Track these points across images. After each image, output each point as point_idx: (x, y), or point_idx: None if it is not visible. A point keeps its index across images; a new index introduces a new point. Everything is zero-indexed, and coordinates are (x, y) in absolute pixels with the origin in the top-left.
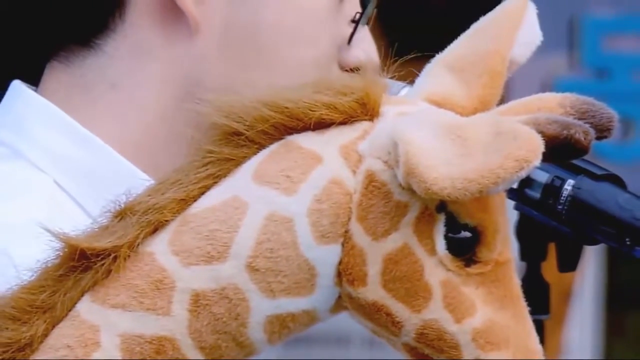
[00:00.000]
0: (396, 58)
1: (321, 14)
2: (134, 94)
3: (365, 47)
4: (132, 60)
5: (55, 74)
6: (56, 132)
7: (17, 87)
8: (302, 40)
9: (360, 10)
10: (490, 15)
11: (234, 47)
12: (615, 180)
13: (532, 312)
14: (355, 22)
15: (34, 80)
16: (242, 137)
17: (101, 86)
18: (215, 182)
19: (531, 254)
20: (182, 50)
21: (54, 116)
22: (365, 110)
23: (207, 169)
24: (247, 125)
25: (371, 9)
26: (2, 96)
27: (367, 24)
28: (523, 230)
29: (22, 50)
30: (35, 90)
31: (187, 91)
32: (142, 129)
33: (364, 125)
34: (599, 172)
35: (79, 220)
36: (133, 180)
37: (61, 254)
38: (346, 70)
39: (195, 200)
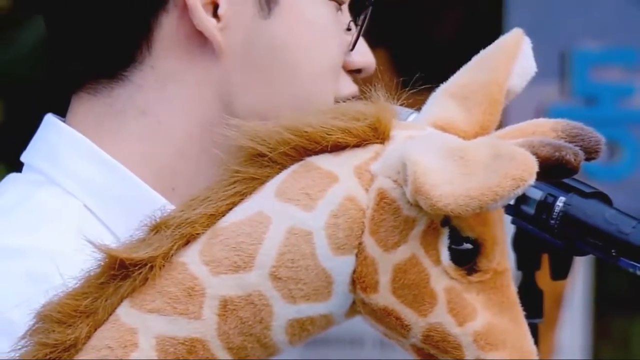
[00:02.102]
0: (405, 88)
1: (328, 26)
2: (164, 119)
3: (362, 50)
4: (160, 88)
5: (84, 105)
6: (85, 160)
7: (50, 120)
8: (317, 52)
9: (350, 18)
10: (489, 48)
11: (256, 66)
12: (603, 198)
13: (527, 316)
14: (359, 27)
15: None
16: (266, 159)
17: (131, 113)
18: (242, 199)
19: (526, 263)
20: (208, 74)
21: (83, 146)
22: (377, 134)
23: (234, 187)
24: (271, 148)
25: (366, 15)
26: (34, 127)
27: (360, 30)
28: (519, 243)
29: (52, 85)
30: (64, 121)
31: (216, 110)
32: (170, 152)
33: (375, 147)
34: (587, 190)
35: (106, 240)
36: (153, 206)
37: (102, 263)
38: (349, 72)
39: (223, 215)
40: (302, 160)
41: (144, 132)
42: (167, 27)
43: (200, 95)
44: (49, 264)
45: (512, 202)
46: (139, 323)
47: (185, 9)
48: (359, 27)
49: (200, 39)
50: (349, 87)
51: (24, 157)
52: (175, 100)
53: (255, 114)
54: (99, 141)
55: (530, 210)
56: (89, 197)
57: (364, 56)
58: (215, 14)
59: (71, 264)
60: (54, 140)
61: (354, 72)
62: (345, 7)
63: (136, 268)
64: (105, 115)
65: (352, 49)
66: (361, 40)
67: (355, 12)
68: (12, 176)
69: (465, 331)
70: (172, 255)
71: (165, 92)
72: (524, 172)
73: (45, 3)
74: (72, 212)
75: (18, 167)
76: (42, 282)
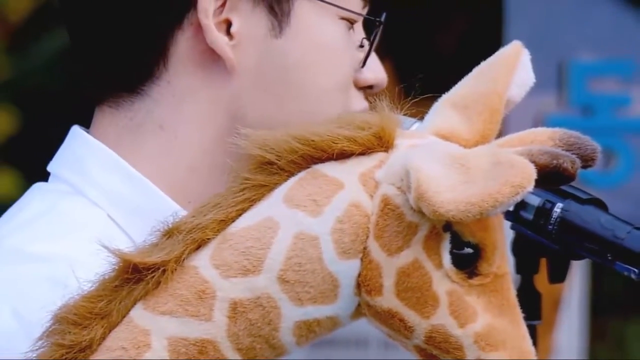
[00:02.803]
0: (408, 98)
1: (338, 45)
2: (180, 132)
3: (374, 67)
4: (176, 102)
5: (106, 117)
6: (110, 172)
7: (77, 131)
8: (325, 71)
9: (363, 35)
10: (489, 60)
11: (267, 83)
12: (599, 204)
13: (526, 318)
14: (370, 45)
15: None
16: (274, 166)
17: (149, 127)
18: (251, 205)
19: (525, 267)
20: (220, 90)
21: (107, 157)
22: (381, 142)
23: (243, 194)
24: (279, 156)
25: (378, 34)
26: (49, 137)
27: (370, 47)
28: (518, 247)
29: (75, 96)
30: (87, 132)
31: (228, 126)
32: (185, 165)
33: (380, 155)
34: (584, 197)
35: (126, 247)
36: (172, 214)
37: (117, 267)
38: (361, 89)
39: (233, 221)
40: (309, 167)
41: (161, 145)
42: (183, 44)
43: (213, 110)
44: (72, 270)
45: (511, 208)
46: (151, 325)
47: (199, 27)
48: (370, 44)
49: (214, 56)
50: (359, 103)
51: (50, 167)
52: (190, 115)
53: (265, 128)
54: (121, 153)
55: (529, 216)
56: (112, 208)
57: (375, 73)
58: (228, 32)
59: (93, 272)
60: (80, 151)
61: (365, 89)
62: (357, 24)
63: (149, 272)
64: (126, 128)
65: (362, 66)
66: (373, 57)
67: (367, 29)
68: (39, 185)
69: (466, 332)
70: (183, 260)
71: (180, 106)
72: (523, 180)
73: (70, 22)
74: (97, 221)
75: (32, 174)
76: (64, 288)
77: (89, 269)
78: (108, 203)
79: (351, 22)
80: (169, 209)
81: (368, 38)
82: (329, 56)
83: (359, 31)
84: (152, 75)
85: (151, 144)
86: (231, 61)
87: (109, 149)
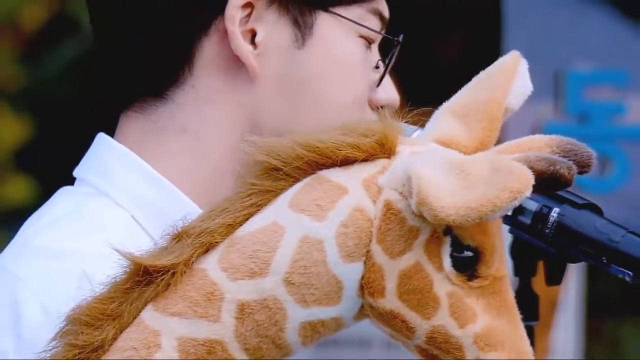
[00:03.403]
0: (410, 106)
1: (356, 62)
2: (202, 136)
3: (388, 88)
4: (199, 107)
5: (131, 122)
6: (134, 175)
7: (102, 138)
8: (343, 85)
9: (379, 57)
10: (488, 69)
11: (286, 93)
12: (594, 209)
13: (523, 319)
14: (387, 64)
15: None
16: (280, 172)
17: (172, 130)
18: (258, 210)
19: (523, 270)
20: (242, 96)
21: (131, 161)
22: (384, 149)
23: (250, 199)
24: (285, 162)
25: (394, 55)
26: (63, 143)
27: (387, 68)
28: (516, 250)
29: (105, 104)
30: (112, 137)
31: (248, 130)
32: (207, 166)
33: (382, 162)
34: (580, 202)
35: (149, 247)
36: (192, 216)
37: (128, 270)
38: (375, 108)
39: (241, 225)
40: (314, 173)
41: (184, 148)
42: (208, 50)
43: (234, 115)
44: (97, 266)
45: (509, 213)
46: (161, 325)
47: (225, 34)
48: (386, 64)
49: (238, 63)
50: None
51: (76, 172)
52: (212, 119)
53: (280, 136)
54: (145, 156)
55: (527, 220)
56: (136, 209)
57: (389, 93)
58: (253, 41)
59: (117, 268)
60: (105, 156)
61: (378, 108)
62: (374, 45)
63: (159, 274)
64: (150, 132)
65: (378, 85)
66: (387, 78)
67: (383, 51)
68: (65, 189)
69: (466, 333)
70: (192, 262)
71: (203, 110)
72: (521, 185)
73: (99, 30)
74: (121, 222)
75: (46, 181)
76: (89, 283)
77: (113, 265)
78: (132, 204)
79: (369, 42)
80: (189, 210)
81: (383, 60)
82: (347, 71)
83: (374, 52)
84: (177, 80)
85: (174, 146)
86: (254, 69)
87: (132, 153)
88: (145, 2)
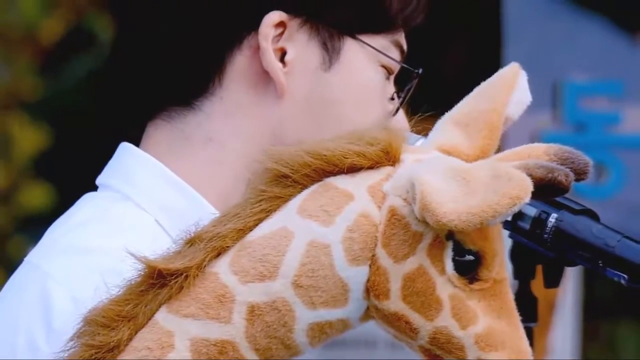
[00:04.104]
0: (414, 116)
1: (375, 91)
2: (227, 147)
3: (401, 118)
4: (226, 118)
5: (159, 130)
6: (157, 180)
7: (125, 146)
8: (364, 110)
9: (394, 89)
10: (489, 80)
11: (310, 111)
12: (591, 214)
13: (523, 321)
14: (405, 93)
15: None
16: (289, 179)
17: (199, 139)
18: (267, 216)
19: (522, 273)
20: (267, 111)
21: (155, 168)
22: (388, 157)
23: (260, 205)
24: (293, 170)
25: (411, 87)
26: (80, 152)
27: (403, 99)
28: (516, 254)
29: (134, 112)
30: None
31: (269, 143)
32: (229, 175)
33: (387, 169)
34: (577, 208)
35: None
36: (206, 221)
37: (143, 273)
38: None
39: (251, 230)
40: (321, 180)
41: (209, 157)
42: (239, 64)
43: (259, 128)
44: (122, 263)
45: (509, 218)
46: (175, 327)
47: (257, 50)
48: (405, 93)
49: (266, 79)
50: None
51: (99, 180)
52: (237, 130)
53: None
54: (170, 164)
55: (526, 225)
56: (160, 213)
57: (401, 124)
58: (282, 60)
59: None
60: (129, 162)
61: None
62: (391, 77)
63: (173, 277)
64: (177, 140)
65: (393, 115)
66: (400, 110)
67: (400, 83)
68: (90, 194)
69: (467, 334)
70: (205, 266)
71: (230, 121)
72: (520, 192)
73: (131, 42)
74: (145, 225)
75: (63, 187)
76: (117, 278)
77: (135, 262)
78: (155, 209)
79: (389, 72)
80: (209, 216)
81: (397, 93)
82: (369, 97)
83: (391, 84)
84: (206, 91)
85: (200, 155)
86: (282, 86)
87: (155, 160)
88: (182, 14)
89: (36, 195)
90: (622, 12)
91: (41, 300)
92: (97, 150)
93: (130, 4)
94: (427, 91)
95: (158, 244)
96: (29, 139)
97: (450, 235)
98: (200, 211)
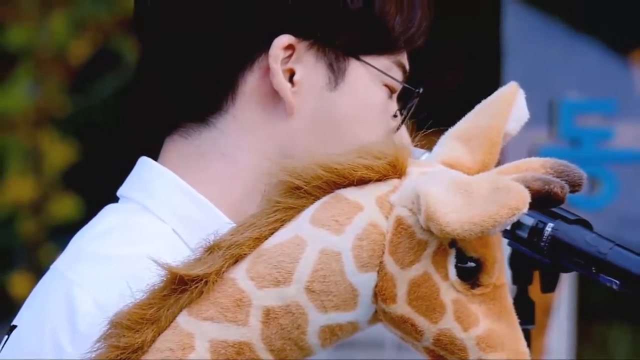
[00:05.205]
0: (419, 132)
1: (378, 109)
2: (239, 162)
3: (403, 135)
4: (239, 135)
5: (176, 145)
6: (174, 192)
7: (145, 160)
8: (368, 126)
9: (397, 107)
10: (489, 98)
11: (317, 128)
12: (585, 224)
13: (521, 323)
14: (407, 111)
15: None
16: (302, 191)
17: (213, 155)
18: (282, 225)
19: (521, 279)
20: (278, 128)
21: (172, 180)
22: (395, 170)
23: (275, 215)
24: (306, 182)
25: (413, 105)
26: (105, 165)
27: (405, 117)
28: (514, 261)
29: (150, 129)
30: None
31: (279, 158)
32: (241, 188)
33: (394, 182)
34: (572, 217)
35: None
36: (225, 231)
37: (165, 279)
38: None
39: (267, 239)
40: (332, 192)
41: (222, 171)
42: (250, 84)
43: (269, 144)
44: (142, 270)
45: (508, 227)
46: (195, 329)
47: (267, 71)
48: (407, 111)
49: (276, 98)
50: None
51: (120, 191)
52: (249, 146)
53: None
54: (186, 177)
55: (524, 234)
56: (177, 224)
57: (404, 140)
58: (291, 80)
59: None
60: (148, 176)
61: None
62: (394, 96)
63: (193, 283)
64: (193, 154)
65: (396, 131)
66: (403, 128)
67: (403, 101)
68: (111, 206)
69: (469, 335)
70: (223, 272)
71: (242, 138)
72: (518, 203)
73: (151, 63)
74: (163, 234)
75: (90, 198)
76: (137, 284)
77: (154, 270)
78: (173, 219)
79: (392, 91)
80: (224, 225)
81: (400, 110)
82: (372, 115)
83: (394, 102)
84: (220, 108)
85: (214, 169)
86: (291, 105)
87: (173, 174)
88: (199, 39)
89: (65, 206)
90: (615, 35)
91: (66, 305)
92: (121, 164)
93: (152, 29)
94: (431, 108)
95: (176, 252)
96: (58, 153)
97: (453, 243)
98: (214, 221)
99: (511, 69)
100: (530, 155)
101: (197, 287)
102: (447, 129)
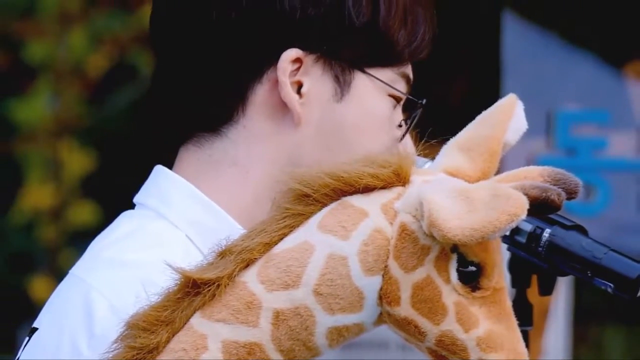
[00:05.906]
0: (422, 142)
1: (383, 119)
2: (249, 171)
3: (408, 143)
4: (249, 144)
5: (190, 154)
6: (188, 200)
7: (160, 169)
8: (373, 136)
9: (401, 117)
10: (489, 109)
11: (324, 138)
12: (581, 230)
13: (519, 325)
14: (411, 121)
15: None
16: (310, 198)
17: (225, 163)
18: (291, 231)
19: (519, 282)
20: (285, 138)
21: (186, 188)
22: (399, 178)
23: (285, 221)
24: (314, 190)
25: (417, 115)
26: (122, 174)
27: (409, 127)
28: (513, 265)
29: (168, 138)
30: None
31: (287, 167)
32: (251, 195)
33: (398, 189)
34: (568, 224)
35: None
36: (236, 236)
37: (179, 282)
38: None
39: (276, 244)
40: (339, 199)
41: (234, 179)
42: (260, 95)
43: (278, 153)
44: (157, 275)
45: (508, 233)
46: (208, 330)
47: (275, 83)
48: (410, 121)
49: (284, 109)
50: None
51: (136, 199)
52: (259, 155)
53: None
54: (199, 185)
55: (522, 239)
56: (190, 230)
57: (407, 148)
58: (298, 91)
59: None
60: (163, 184)
61: None
62: (399, 106)
63: (206, 286)
64: (206, 163)
65: (400, 140)
66: (407, 137)
67: (407, 111)
68: (127, 212)
69: (470, 336)
70: (235, 276)
71: (252, 148)
72: (517, 209)
73: (170, 76)
74: (177, 240)
75: (108, 206)
76: (152, 288)
77: (169, 275)
78: (186, 226)
79: (397, 101)
80: (236, 231)
81: (405, 120)
82: (377, 125)
83: (399, 112)
84: (231, 119)
85: (225, 177)
86: (299, 115)
87: (187, 182)
88: (211, 52)
89: (83, 213)
90: (609, 49)
91: (84, 309)
92: (138, 172)
93: (167, 43)
94: (433, 118)
95: (189, 257)
96: (77, 162)
97: (455, 248)
98: (226, 227)
99: (510, 81)
100: (528, 164)
101: (209, 290)
102: (448, 139)
